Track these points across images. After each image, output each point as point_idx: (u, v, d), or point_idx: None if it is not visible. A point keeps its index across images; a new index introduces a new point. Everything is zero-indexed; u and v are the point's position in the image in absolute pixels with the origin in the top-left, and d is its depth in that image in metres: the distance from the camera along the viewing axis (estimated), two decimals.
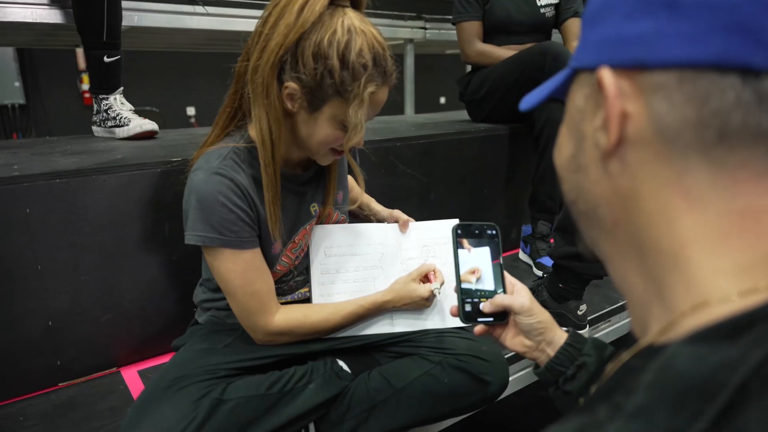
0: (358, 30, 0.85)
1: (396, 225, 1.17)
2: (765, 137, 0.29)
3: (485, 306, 0.77)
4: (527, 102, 0.44)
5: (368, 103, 0.87)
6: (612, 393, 0.31)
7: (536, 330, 0.75)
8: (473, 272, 0.76)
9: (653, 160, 0.32)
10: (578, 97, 0.37)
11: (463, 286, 0.76)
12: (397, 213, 1.20)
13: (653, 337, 0.33)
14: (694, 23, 0.29)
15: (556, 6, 2.00)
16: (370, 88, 0.87)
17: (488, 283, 0.77)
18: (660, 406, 0.27)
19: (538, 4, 1.96)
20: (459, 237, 0.77)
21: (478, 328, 0.78)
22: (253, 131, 0.93)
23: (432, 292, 1.04)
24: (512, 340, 0.78)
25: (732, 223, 0.31)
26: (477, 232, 0.77)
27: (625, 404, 0.28)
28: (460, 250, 0.76)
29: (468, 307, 0.75)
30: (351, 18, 0.86)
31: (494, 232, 0.79)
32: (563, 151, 0.40)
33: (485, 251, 0.77)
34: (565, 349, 0.73)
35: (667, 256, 0.33)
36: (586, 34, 0.37)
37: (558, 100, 0.44)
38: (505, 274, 0.80)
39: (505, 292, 0.78)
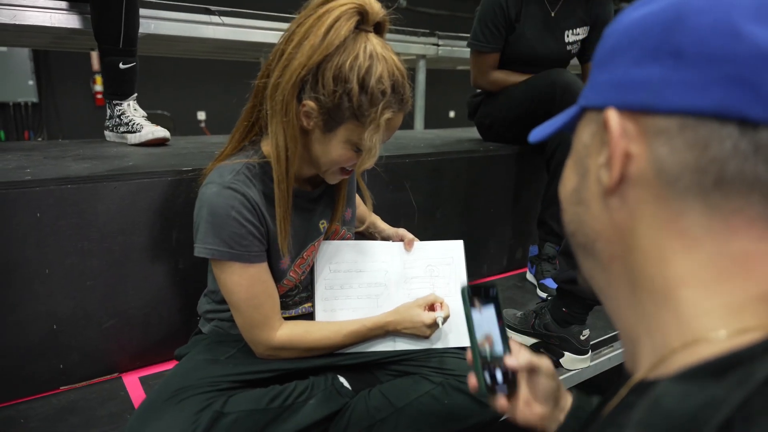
0: (380, 56, 0.87)
1: (401, 244, 1.18)
2: (760, 186, 0.31)
3: (510, 363, 0.66)
4: (536, 135, 0.46)
5: (384, 128, 0.88)
6: (606, 429, 0.32)
7: (554, 393, 0.66)
8: (488, 339, 0.68)
9: (652, 200, 0.34)
10: (585, 134, 0.39)
11: (482, 353, 0.67)
12: (403, 231, 1.21)
13: (644, 372, 0.34)
14: (698, 73, 0.31)
15: (582, 41, 1.92)
16: (387, 114, 0.88)
17: (497, 347, 0.69)
18: None
19: (567, 40, 1.88)
20: (472, 300, 0.69)
21: (502, 402, 0.67)
22: (266, 147, 0.94)
23: (435, 320, 1.04)
24: (525, 409, 0.66)
25: (724, 266, 0.32)
26: (483, 292, 0.71)
27: None
28: (473, 313, 0.69)
29: (488, 377, 0.66)
30: (374, 44, 0.87)
31: (496, 291, 0.72)
32: (567, 183, 0.42)
33: (491, 312, 0.70)
34: (575, 412, 0.66)
35: (659, 294, 0.34)
36: (595, 75, 0.39)
37: None
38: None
39: (510, 353, 0.69)
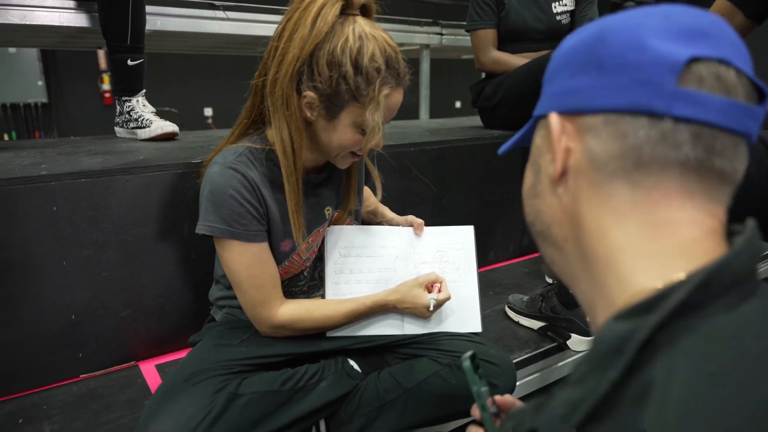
0: (369, 35, 0.89)
1: (411, 229, 1.19)
2: (670, 164, 0.38)
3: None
4: (503, 148, 0.56)
5: (384, 105, 0.90)
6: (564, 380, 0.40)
7: None
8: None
9: (588, 185, 0.41)
10: (537, 138, 0.47)
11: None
12: (412, 218, 1.22)
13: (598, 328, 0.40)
14: (616, 79, 0.39)
15: (571, 13, 2.01)
16: (385, 91, 0.90)
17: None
18: (589, 371, 0.37)
19: (554, 11, 1.97)
20: (476, 369, 0.65)
21: None
22: (270, 135, 0.97)
23: (430, 301, 1.05)
24: None
25: (650, 231, 0.39)
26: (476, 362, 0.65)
27: (570, 378, 0.38)
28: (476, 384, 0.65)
29: None
30: (361, 25, 0.89)
31: (474, 355, 0.66)
32: (526, 182, 0.50)
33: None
34: None
35: (603, 263, 0.41)
36: (544, 89, 0.47)
37: None
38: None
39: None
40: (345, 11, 0.89)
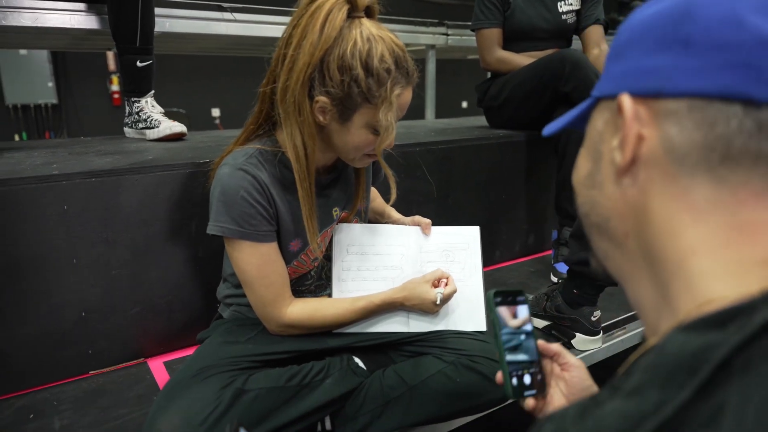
0: (377, 37, 0.90)
1: (418, 228, 1.20)
2: (764, 160, 0.33)
3: (548, 349, 0.69)
4: (550, 128, 0.50)
5: (396, 105, 0.92)
6: (618, 378, 0.34)
7: (588, 391, 0.67)
8: (517, 347, 0.69)
9: (662, 178, 0.37)
10: (598, 122, 0.42)
11: (508, 358, 0.68)
12: (419, 218, 1.23)
13: (659, 337, 0.35)
14: (706, 59, 0.34)
15: (577, 12, 2.01)
16: (397, 90, 0.91)
17: (530, 353, 0.69)
18: (651, 384, 0.31)
19: (560, 10, 1.97)
20: (498, 305, 0.69)
21: (530, 402, 0.68)
22: (279, 138, 0.98)
23: (437, 295, 1.06)
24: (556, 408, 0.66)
25: (731, 235, 0.34)
26: (510, 299, 0.71)
27: (623, 385, 0.32)
28: (501, 322, 0.69)
29: (515, 381, 0.67)
30: (368, 27, 0.90)
31: (523, 297, 0.72)
32: (581, 170, 0.44)
33: (521, 317, 0.70)
34: None
35: (672, 264, 0.36)
36: (609, 67, 0.41)
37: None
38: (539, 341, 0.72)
39: (539, 357, 0.70)
40: (351, 14, 0.90)
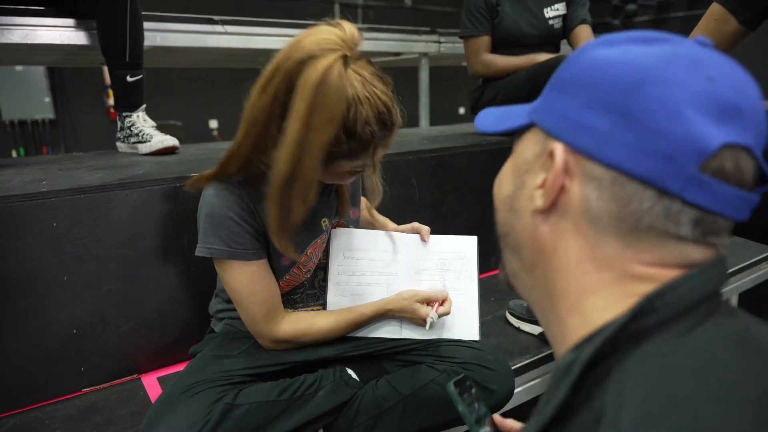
0: (362, 98, 0.84)
1: (417, 236, 1.19)
2: (667, 237, 0.37)
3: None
4: (484, 126, 0.51)
5: (379, 160, 0.93)
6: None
7: None
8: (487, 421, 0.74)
9: (575, 230, 0.40)
10: (529, 151, 0.44)
11: None
12: (417, 225, 1.22)
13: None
14: (638, 138, 0.36)
15: (563, 17, 2.03)
16: (380, 151, 0.91)
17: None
18: (550, 394, 0.37)
19: (546, 16, 2.00)
20: (460, 393, 0.74)
21: None
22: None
23: (428, 318, 1.06)
24: None
25: (627, 282, 0.38)
26: (462, 383, 0.76)
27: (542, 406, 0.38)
28: (463, 406, 0.73)
29: None
30: (354, 84, 0.84)
31: (470, 381, 0.77)
32: (503, 187, 0.47)
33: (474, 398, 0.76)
34: None
35: (571, 302, 0.40)
36: (551, 96, 0.42)
37: None
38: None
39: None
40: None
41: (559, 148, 0.39)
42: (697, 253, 0.38)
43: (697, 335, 0.34)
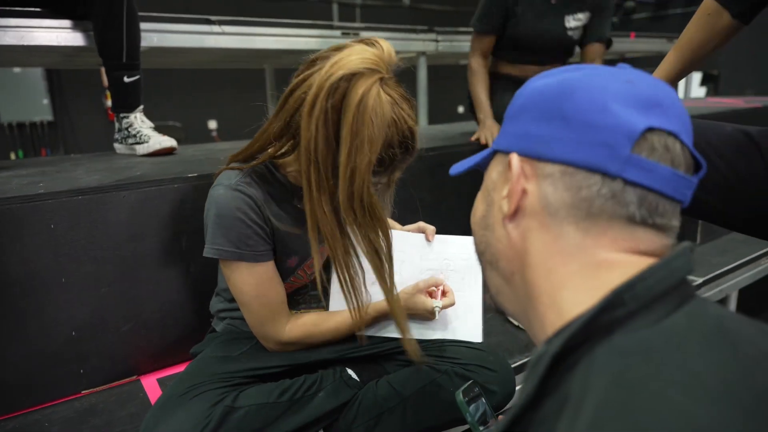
0: (390, 121, 0.84)
1: (421, 235, 1.19)
2: (617, 217, 0.42)
3: None
4: (456, 169, 0.58)
5: (394, 180, 0.94)
6: None
7: None
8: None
9: (539, 227, 0.45)
10: (494, 172, 0.50)
11: None
12: (423, 225, 1.22)
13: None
14: (577, 135, 0.42)
15: (584, 27, 1.96)
16: (397, 174, 0.92)
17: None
18: (523, 387, 0.39)
19: (567, 26, 1.91)
20: (468, 402, 0.82)
21: None
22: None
23: (435, 309, 1.06)
24: None
25: (592, 271, 0.42)
26: (470, 391, 0.84)
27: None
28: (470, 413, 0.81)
29: None
30: (384, 106, 0.82)
31: (478, 388, 0.87)
32: (477, 211, 0.53)
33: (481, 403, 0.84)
34: None
35: (547, 299, 0.44)
36: (506, 126, 0.49)
37: None
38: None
39: None
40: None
41: (514, 158, 0.46)
42: (649, 237, 0.42)
43: (665, 325, 0.37)
